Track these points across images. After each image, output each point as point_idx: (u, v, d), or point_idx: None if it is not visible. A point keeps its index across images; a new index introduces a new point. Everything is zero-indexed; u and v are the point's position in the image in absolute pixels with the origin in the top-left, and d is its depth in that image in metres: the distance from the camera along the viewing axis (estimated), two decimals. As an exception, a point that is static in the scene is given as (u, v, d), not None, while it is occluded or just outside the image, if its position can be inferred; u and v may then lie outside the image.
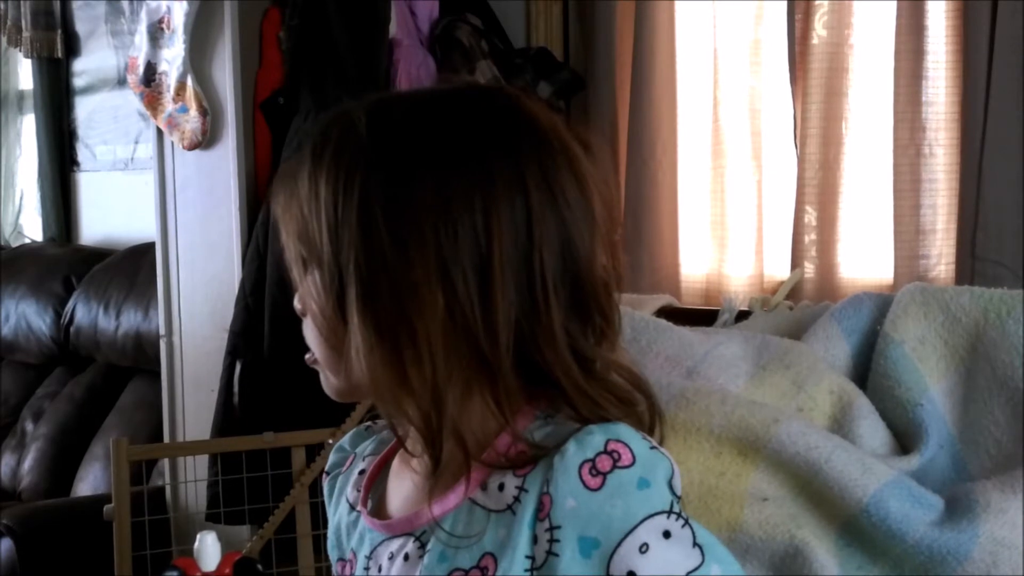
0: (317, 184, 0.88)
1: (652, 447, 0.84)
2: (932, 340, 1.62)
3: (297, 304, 0.94)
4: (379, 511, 0.97)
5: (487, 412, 0.88)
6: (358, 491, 1.00)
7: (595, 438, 0.84)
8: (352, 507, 1.01)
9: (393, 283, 0.85)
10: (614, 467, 0.82)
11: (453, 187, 0.86)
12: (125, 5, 3.94)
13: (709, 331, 1.81)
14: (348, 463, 1.05)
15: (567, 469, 0.83)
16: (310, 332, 0.93)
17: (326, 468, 1.08)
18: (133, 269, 3.53)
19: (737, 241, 2.48)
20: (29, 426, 3.68)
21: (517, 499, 0.85)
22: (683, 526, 0.83)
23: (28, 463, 3.57)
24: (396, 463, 0.98)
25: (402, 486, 0.96)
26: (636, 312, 1.84)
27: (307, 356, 0.95)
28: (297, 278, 0.93)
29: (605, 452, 0.83)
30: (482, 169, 0.86)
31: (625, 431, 0.85)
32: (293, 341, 1.01)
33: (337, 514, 1.03)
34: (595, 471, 0.82)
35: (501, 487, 0.86)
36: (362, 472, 1.02)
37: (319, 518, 2.35)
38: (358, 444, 1.05)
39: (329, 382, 0.94)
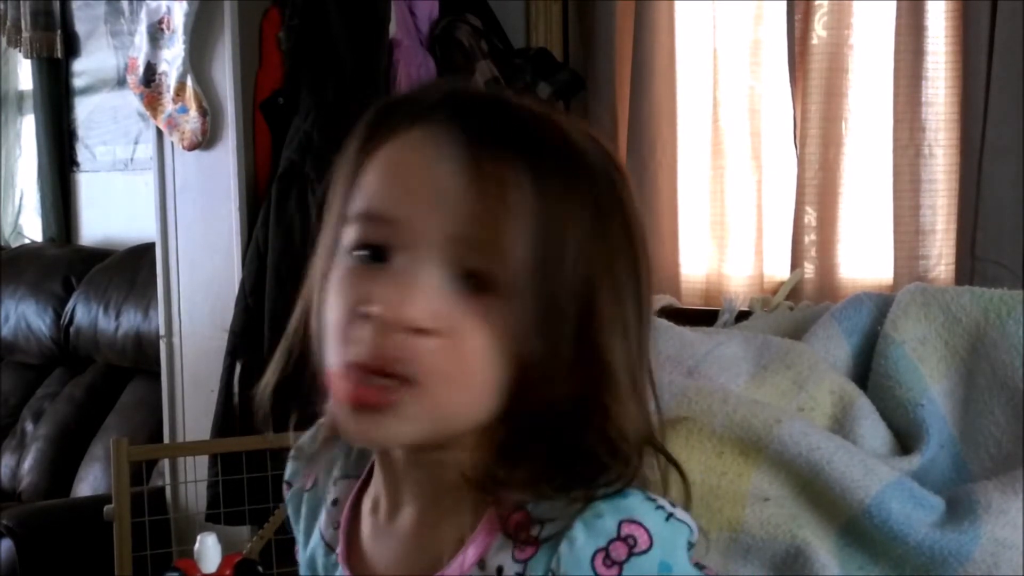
0: None
1: (668, 517, 0.75)
2: (933, 340, 1.62)
3: None
4: (357, 561, 0.86)
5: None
6: (334, 529, 0.89)
7: (606, 522, 0.73)
8: (330, 547, 0.89)
9: None
10: (630, 555, 0.73)
11: None
12: (125, 5, 3.94)
13: (710, 331, 1.81)
14: (312, 479, 0.95)
15: (578, 562, 0.73)
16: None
17: (286, 477, 0.98)
18: (133, 269, 3.53)
19: (737, 241, 2.48)
20: (29, 426, 3.68)
21: None
22: None
23: (28, 463, 3.57)
24: (371, 510, 0.87)
25: (387, 540, 0.84)
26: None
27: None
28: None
29: (619, 538, 0.73)
30: None
31: (637, 505, 0.75)
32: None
33: (311, 542, 0.92)
34: (609, 561, 0.73)
35: (500, 570, 0.76)
36: (336, 503, 0.91)
37: (319, 518, 2.34)
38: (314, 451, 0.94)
39: None
